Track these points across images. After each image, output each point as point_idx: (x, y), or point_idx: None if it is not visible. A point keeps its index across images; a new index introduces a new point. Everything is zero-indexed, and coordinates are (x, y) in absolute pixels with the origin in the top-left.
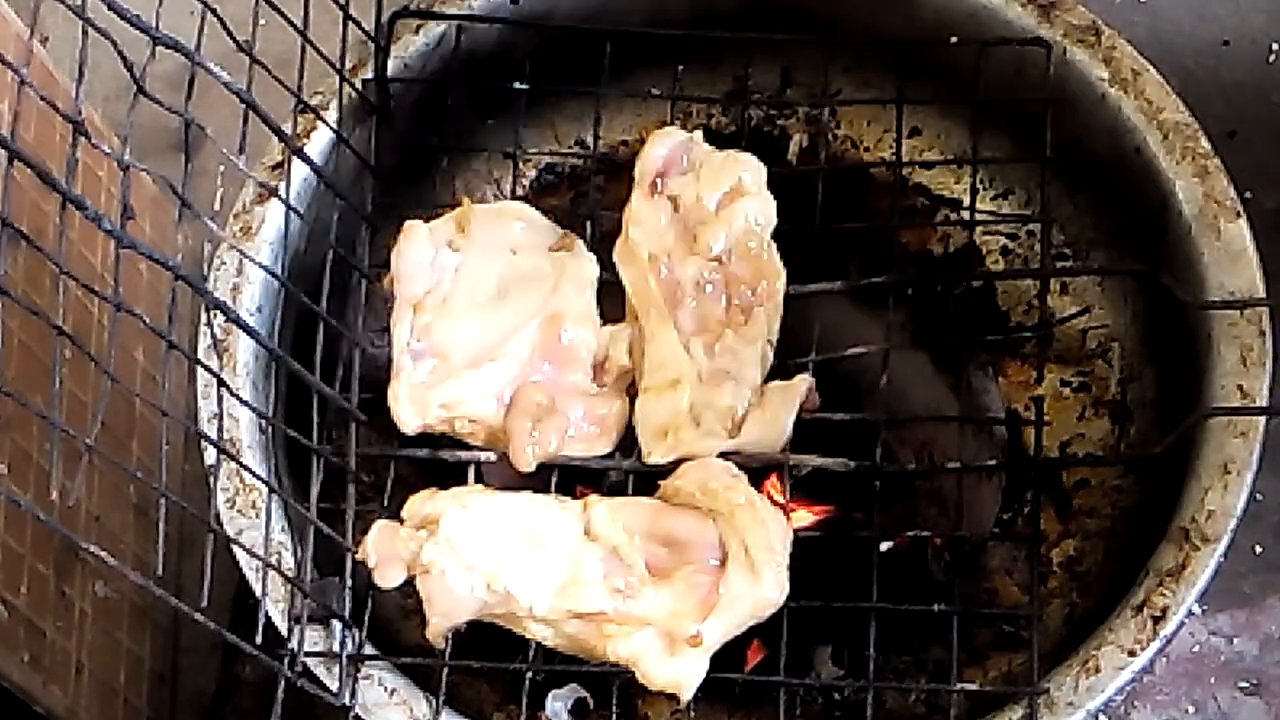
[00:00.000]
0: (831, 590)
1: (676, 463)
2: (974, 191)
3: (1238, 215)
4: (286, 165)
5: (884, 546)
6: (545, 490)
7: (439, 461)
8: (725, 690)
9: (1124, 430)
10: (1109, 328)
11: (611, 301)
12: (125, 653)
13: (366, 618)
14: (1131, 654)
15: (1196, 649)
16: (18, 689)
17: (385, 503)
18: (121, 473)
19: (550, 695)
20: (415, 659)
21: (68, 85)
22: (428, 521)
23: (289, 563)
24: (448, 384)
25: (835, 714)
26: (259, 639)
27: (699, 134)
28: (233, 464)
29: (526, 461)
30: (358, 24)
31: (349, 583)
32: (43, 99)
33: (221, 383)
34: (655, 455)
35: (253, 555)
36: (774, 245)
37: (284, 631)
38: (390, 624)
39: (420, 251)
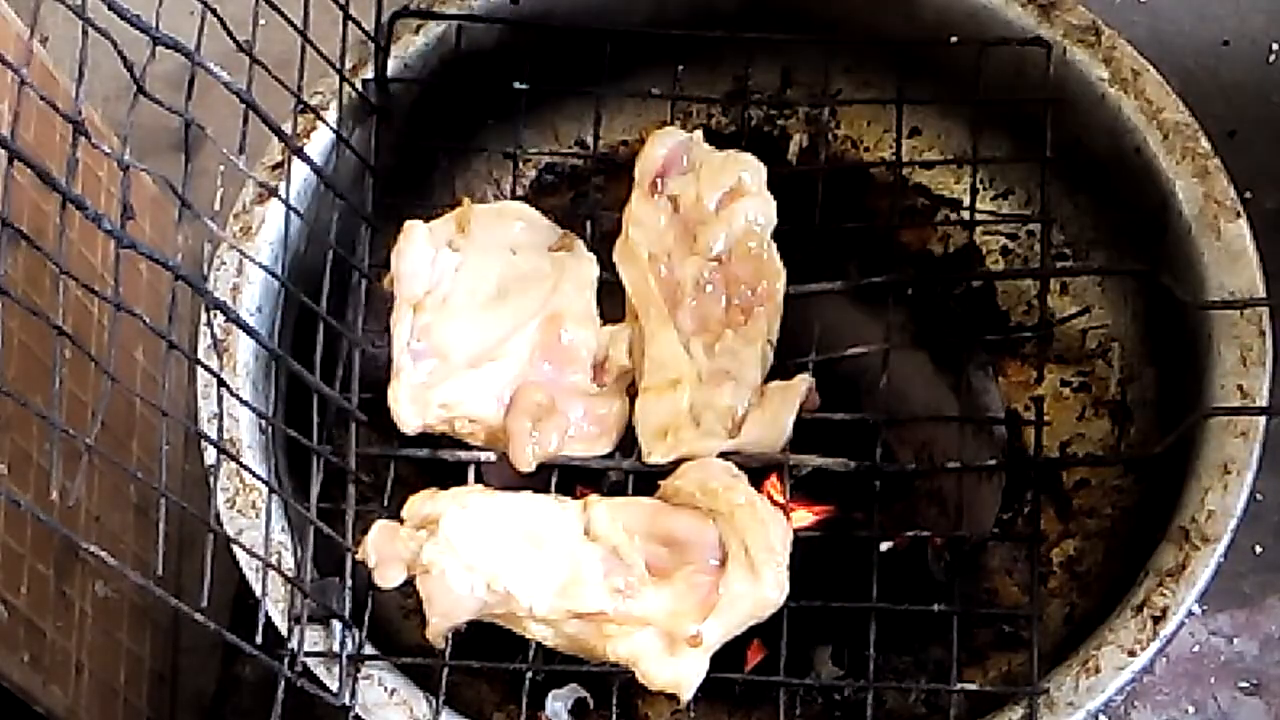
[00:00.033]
0: (831, 590)
1: (676, 463)
2: (974, 191)
3: (1238, 215)
4: (286, 165)
5: (884, 546)
6: (545, 490)
7: (439, 461)
8: (725, 690)
9: (1124, 430)
10: (1109, 328)
11: (611, 301)
12: (125, 653)
13: (366, 618)
14: (1131, 654)
15: (1196, 649)
16: (18, 689)
17: (385, 503)
18: (121, 473)
19: (550, 695)
20: (415, 659)
21: (68, 85)
22: (428, 521)
23: (289, 563)
24: (448, 384)
25: (835, 714)
26: (259, 639)
27: (699, 134)
28: (233, 464)
29: (526, 461)
30: (358, 24)
31: (349, 583)
32: (43, 99)
33: (221, 383)
34: (655, 455)
35: (253, 555)
36: (774, 245)
37: (284, 631)
38: (390, 624)
39: (420, 251)
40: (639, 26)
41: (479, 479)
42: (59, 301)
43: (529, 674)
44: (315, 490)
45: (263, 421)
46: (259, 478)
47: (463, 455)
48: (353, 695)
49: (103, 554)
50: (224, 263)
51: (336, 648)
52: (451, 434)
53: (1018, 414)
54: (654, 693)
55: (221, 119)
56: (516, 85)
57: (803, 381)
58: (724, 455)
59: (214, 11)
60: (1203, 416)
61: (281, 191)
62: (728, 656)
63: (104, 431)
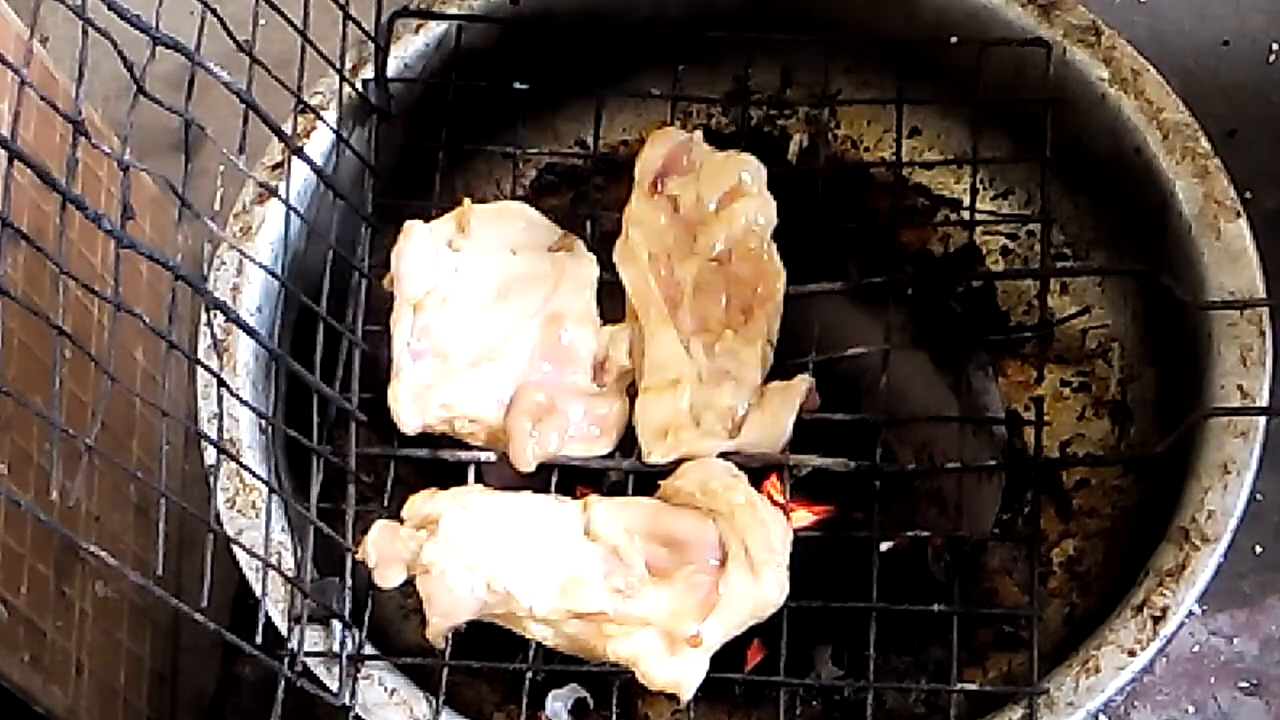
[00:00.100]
0: (831, 590)
1: (676, 463)
2: (974, 191)
3: (1238, 215)
4: (286, 165)
5: (884, 546)
6: (545, 490)
7: (439, 461)
8: (725, 690)
9: (1124, 430)
10: (1109, 328)
11: (611, 301)
12: (125, 653)
13: (366, 618)
14: (1131, 654)
15: (1196, 649)
16: (18, 689)
17: (385, 503)
18: (121, 473)
19: (550, 695)
20: (415, 659)
21: (68, 85)
22: (428, 521)
23: (289, 563)
24: (448, 384)
25: (835, 714)
26: (259, 639)
27: (699, 134)
28: (233, 464)
29: (526, 461)
30: (358, 24)
31: (349, 583)
32: (43, 99)
33: (221, 383)
34: (655, 455)
35: (253, 555)
36: (774, 245)
37: (284, 631)
38: (390, 624)
39: (420, 251)
40: (639, 26)
41: (479, 479)
42: (59, 301)
43: (529, 674)
44: (315, 490)
45: (263, 421)
46: (259, 478)
47: (463, 455)
48: (353, 695)
49: (103, 554)
50: (224, 263)
51: (336, 648)
52: (451, 434)
53: (1018, 414)
54: (654, 693)
55: (221, 119)
56: (516, 85)
57: (803, 381)
58: (724, 455)
59: (214, 11)
60: (1203, 416)
61: (281, 191)
62: (728, 656)
63: (104, 431)
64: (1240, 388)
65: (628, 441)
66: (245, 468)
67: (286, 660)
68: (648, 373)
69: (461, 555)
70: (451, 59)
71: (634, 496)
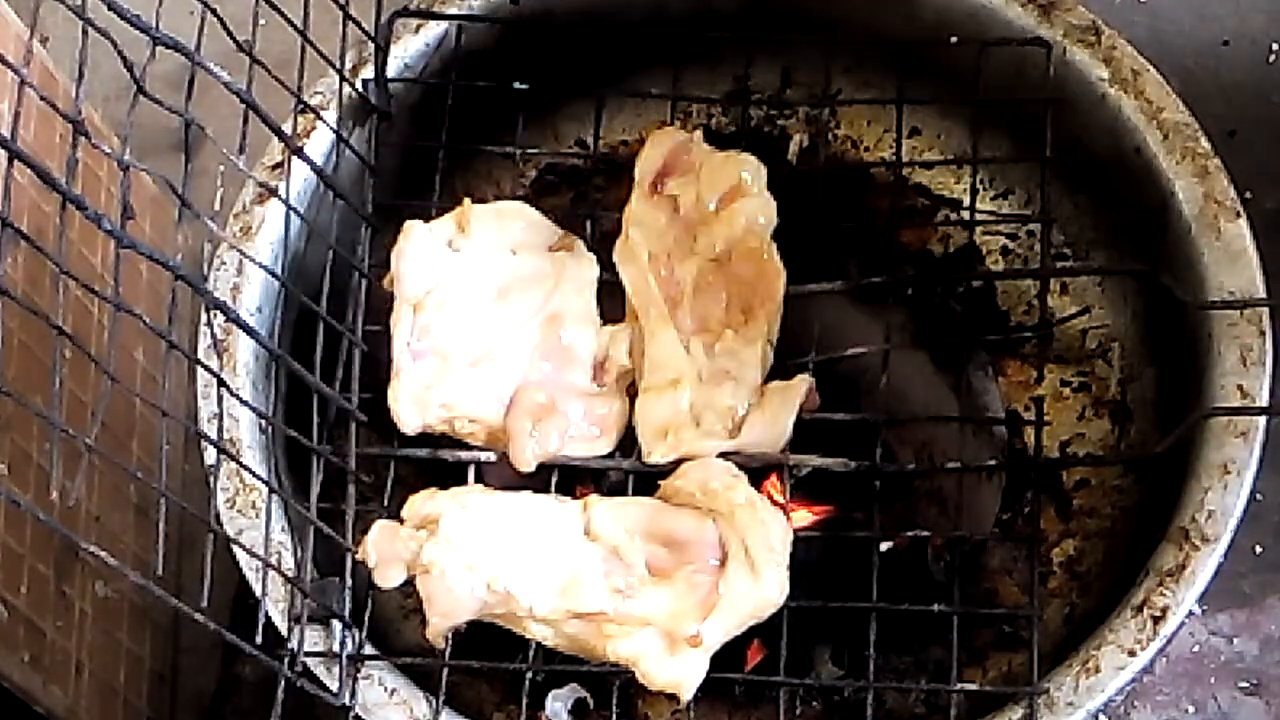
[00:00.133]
0: (831, 590)
1: (676, 463)
2: (974, 191)
3: (1238, 215)
4: (286, 165)
5: (884, 546)
6: (545, 490)
7: (439, 461)
8: (725, 690)
9: (1124, 430)
10: (1109, 328)
11: (611, 301)
12: (125, 653)
13: (366, 618)
14: (1131, 654)
15: (1196, 649)
16: (18, 689)
17: (385, 503)
18: (121, 473)
19: (550, 695)
20: (415, 659)
21: (68, 85)
22: (428, 521)
23: (289, 563)
24: (448, 384)
25: (835, 714)
26: (259, 639)
27: (699, 134)
28: (233, 464)
29: (526, 461)
30: (358, 24)
31: (349, 583)
32: (43, 99)
33: (221, 383)
34: (655, 455)
35: (253, 555)
36: (774, 245)
37: (284, 631)
38: (390, 624)
39: (420, 251)
40: (639, 26)
41: (479, 479)
42: (59, 301)
43: (529, 674)
44: (315, 490)
45: (263, 421)
46: (259, 478)
47: (463, 455)
48: (353, 695)
49: (103, 554)
50: (224, 263)
51: (336, 648)
52: (451, 434)
53: (1018, 414)
54: (654, 693)
55: (221, 119)
56: (516, 85)
57: (803, 381)
58: (724, 455)
59: (214, 11)
60: (1203, 416)
61: (281, 191)
62: (728, 656)
63: (104, 431)
64: (1240, 388)
65: (628, 441)
66: (245, 468)
67: (286, 660)
68: (648, 373)
69: (461, 555)
70: (451, 59)
71: (634, 496)
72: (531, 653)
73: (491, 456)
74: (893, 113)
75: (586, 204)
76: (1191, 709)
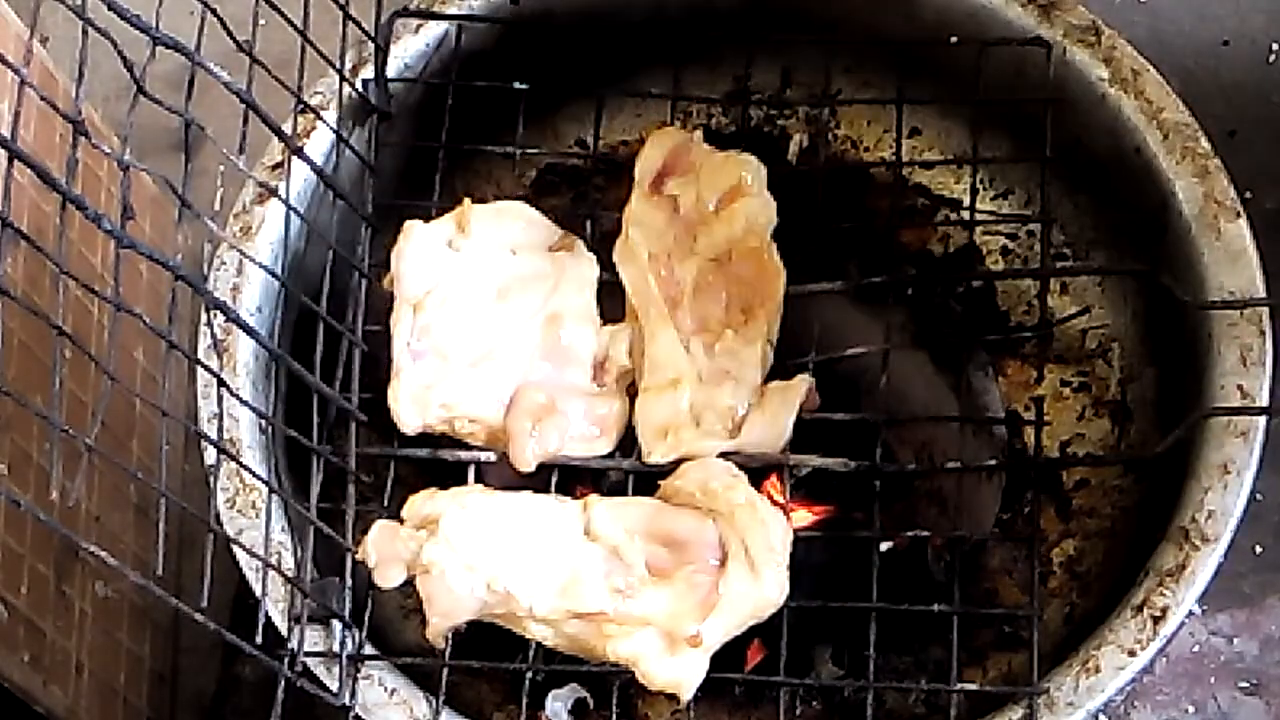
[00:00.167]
0: (831, 590)
1: (676, 463)
2: (974, 191)
3: (1238, 215)
4: (286, 165)
5: (884, 546)
6: (545, 490)
7: (439, 461)
8: (725, 690)
9: (1124, 430)
10: (1109, 328)
11: (611, 301)
12: (125, 653)
13: (366, 618)
14: (1131, 654)
15: (1196, 649)
16: (18, 689)
17: (385, 503)
18: (121, 473)
19: (550, 695)
20: (415, 659)
21: (68, 85)
22: (428, 521)
23: (289, 563)
24: (448, 384)
25: (835, 714)
26: (259, 639)
27: (699, 134)
28: (233, 464)
29: (526, 461)
30: (358, 24)
31: (349, 583)
32: (43, 99)
33: (221, 383)
34: (655, 455)
35: (253, 555)
36: (774, 245)
37: (284, 631)
38: (390, 624)
39: (420, 251)
40: (639, 26)
41: (479, 479)
42: (59, 301)
43: (529, 674)
44: (315, 490)
45: (263, 421)
46: (259, 478)
47: (463, 455)
48: (353, 695)
49: (103, 554)
50: (224, 263)
51: (336, 648)
52: (451, 434)
53: (1018, 414)
54: (654, 693)
55: (221, 119)
56: (516, 85)
57: (803, 381)
58: (724, 455)
59: (214, 11)
60: (1203, 416)
61: (281, 191)
62: (728, 656)
63: (104, 431)
64: (1240, 388)
65: (628, 441)
66: (245, 468)
67: (286, 660)
68: (648, 373)
69: (461, 555)
70: (451, 59)
71: (634, 496)
72: (531, 653)
73: (491, 456)
74: (893, 113)
75: (586, 204)
76: (1191, 709)
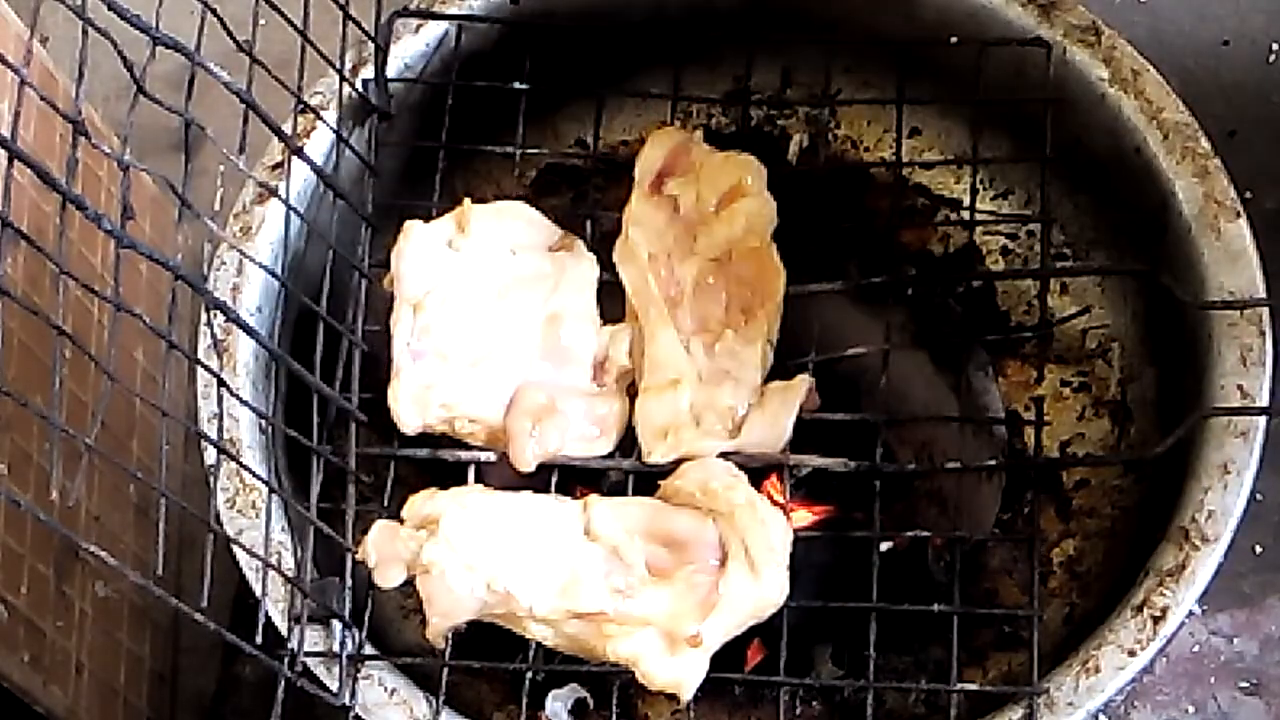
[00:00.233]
0: (831, 590)
1: (676, 463)
2: (974, 191)
3: (1238, 215)
4: (286, 165)
5: (884, 546)
6: (545, 490)
7: (439, 461)
8: (725, 690)
9: (1124, 430)
10: (1109, 328)
11: (611, 301)
12: (125, 653)
13: (366, 618)
14: (1131, 654)
15: (1196, 649)
16: (18, 689)
17: (385, 503)
18: (121, 473)
19: (550, 695)
20: (415, 659)
21: (68, 85)
22: (428, 521)
23: (289, 563)
24: (448, 384)
25: (835, 714)
26: (259, 639)
27: (699, 134)
28: (233, 464)
29: (526, 461)
30: (358, 24)
31: (349, 583)
32: (43, 99)
33: (221, 383)
34: (655, 455)
35: (253, 555)
36: (774, 245)
37: (284, 631)
38: (390, 624)
39: (420, 251)
40: (639, 26)
41: (479, 479)
42: (59, 301)
43: (529, 674)
44: (315, 490)
45: (263, 421)
46: (259, 478)
47: (463, 455)
48: (353, 695)
49: (103, 554)
50: (224, 263)
51: (336, 648)
52: (451, 434)
53: (1018, 414)
54: (654, 693)
55: (221, 119)
56: (516, 85)
57: (803, 381)
58: (724, 455)
59: (214, 11)
60: (1203, 416)
61: (281, 191)
62: (728, 656)
63: (104, 431)
64: (1240, 388)
65: (628, 441)
66: (245, 468)
67: (286, 660)
68: (648, 373)
69: (461, 555)
70: (451, 59)
71: (634, 496)
72: (531, 653)
73: (491, 456)
74: (893, 113)
75: (586, 204)
76: (1191, 709)
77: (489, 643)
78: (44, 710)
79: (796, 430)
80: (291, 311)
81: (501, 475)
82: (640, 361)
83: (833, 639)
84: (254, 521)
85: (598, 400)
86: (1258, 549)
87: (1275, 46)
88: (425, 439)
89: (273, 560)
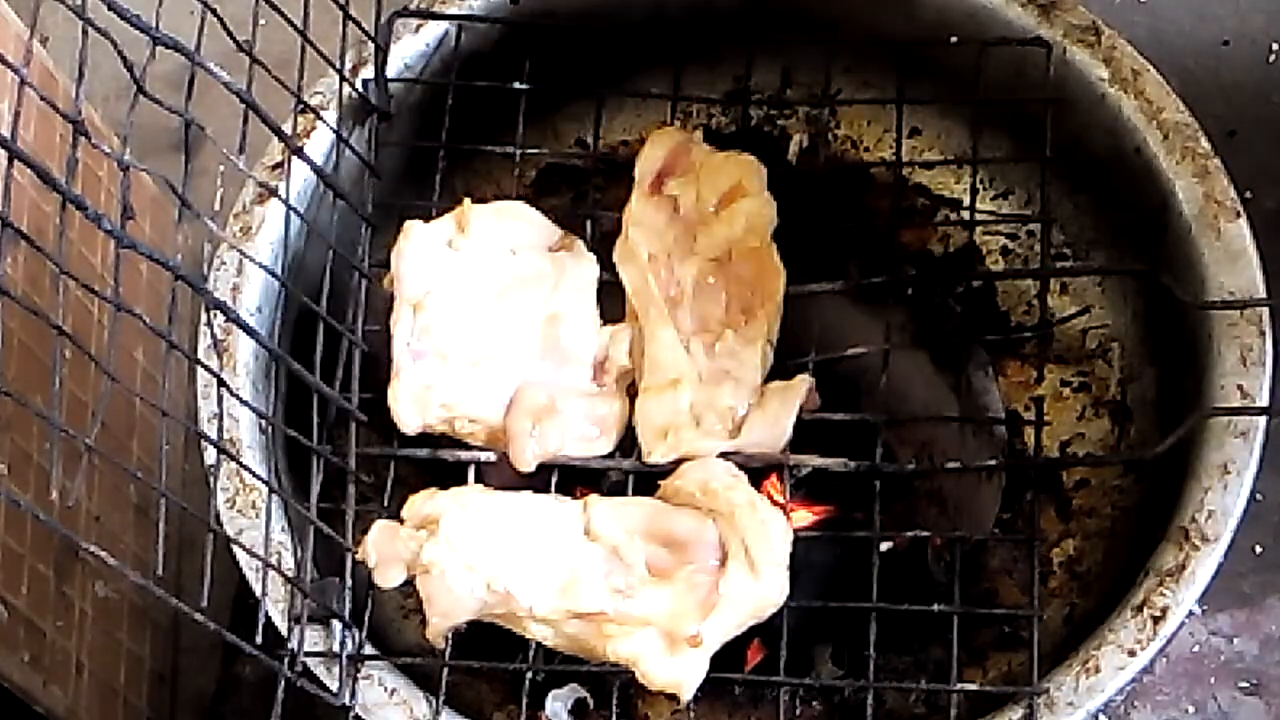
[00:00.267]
0: (831, 590)
1: (676, 463)
2: (974, 191)
3: (1238, 215)
4: (286, 165)
5: (884, 546)
6: (545, 490)
7: (439, 461)
8: (725, 690)
9: (1124, 430)
10: (1109, 328)
11: (611, 301)
12: (125, 653)
13: (366, 618)
14: (1131, 654)
15: (1196, 649)
16: (18, 689)
17: (385, 503)
18: (121, 473)
19: (550, 695)
20: (415, 659)
21: (68, 85)
22: (428, 521)
23: (289, 563)
24: (448, 384)
25: (835, 714)
26: (259, 639)
27: (699, 134)
28: (233, 464)
29: (526, 461)
30: (358, 24)
31: (349, 583)
32: (43, 99)
33: (221, 383)
34: (655, 455)
35: (253, 555)
36: (774, 245)
37: (284, 631)
38: (390, 624)
39: (420, 251)
40: (639, 26)
41: (479, 479)
42: (59, 301)
43: (529, 674)
44: (315, 490)
45: (263, 421)
46: (259, 478)
47: (463, 455)
48: (353, 695)
49: (103, 554)
50: (224, 263)
51: (336, 648)
52: (451, 434)
53: (1018, 414)
54: (654, 693)
55: (221, 119)
56: (516, 85)
57: (803, 382)
58: (724, 455)
59: (214, 11)
60: (1203, 416)
61: (281, 191)
62: (728, 656)
63: (104, 431)
64: (1240, 388)
65: (628, 441)
66: (245, 468)
67: (286, 660)
68: (648, 373)
69: (461, 555)
70: (451, 59)
71: (634, 496)
72: (531, 653)
73: (491, 456)
74: (893, 113)
75: (586, 204)
76: (1191, 709)
77: (489, 643)
78: (44, 710)
79: (796, 430)
80: (291, 311)
81: (501, 475)
82: (640, 361)
83: (833, 639)
84: (254, 521)
85: (598, 400)
86: (1258, 549)
87: (1275, 46)
88: (425, 439)
89: (273, 560)
